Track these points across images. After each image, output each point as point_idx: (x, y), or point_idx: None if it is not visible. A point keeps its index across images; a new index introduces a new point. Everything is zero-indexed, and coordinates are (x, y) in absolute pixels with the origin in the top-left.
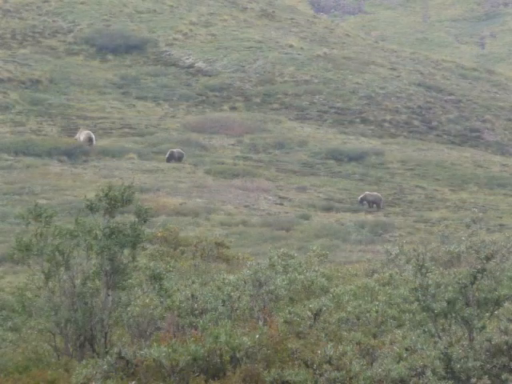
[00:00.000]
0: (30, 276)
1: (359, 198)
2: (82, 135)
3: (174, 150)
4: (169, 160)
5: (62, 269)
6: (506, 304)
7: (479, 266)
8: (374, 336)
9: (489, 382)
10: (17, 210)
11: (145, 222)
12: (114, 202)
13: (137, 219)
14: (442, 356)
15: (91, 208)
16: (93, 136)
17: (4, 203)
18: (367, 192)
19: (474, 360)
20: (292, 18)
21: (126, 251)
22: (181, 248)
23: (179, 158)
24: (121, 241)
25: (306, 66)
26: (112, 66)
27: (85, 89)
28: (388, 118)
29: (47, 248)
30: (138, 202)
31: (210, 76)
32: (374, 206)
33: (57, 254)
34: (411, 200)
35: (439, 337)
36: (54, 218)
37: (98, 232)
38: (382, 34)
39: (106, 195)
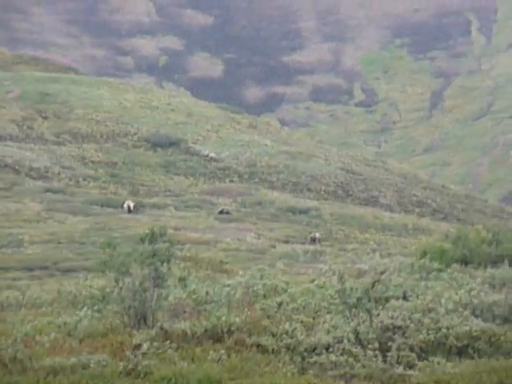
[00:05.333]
0: (108, 279)
1: (310, 236)
2: (125, 204)
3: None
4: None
5: (126, 276)
6: (392, 301)
7: (376, 278)
8: (313, 318)
9: (377, 345)
10: (100, 240)
11: (172, 246)
12: (154, 235)
13: (169, 244)
14: (353, 331)
15: (142, 239)
16: (130, 205)
17: (94, 235)
18: (313, 233)
19: (372, 333)
20: (267, 128)
21: (165, 264)
22: (199, 263)
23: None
24: (160, 258)
25: (274, 156)
26: (160, 155)
27: (143, 168)
28: (323, 188)
29: (116, 263)
30: (169, 236)
31: (218, 162)
32: (316, 240)
33: (122, 266)
34: (336, 237)
35: (352, 319)
36: (122, 245)
37: (145, 253)
38: (320, 138)
39: (151, 231)
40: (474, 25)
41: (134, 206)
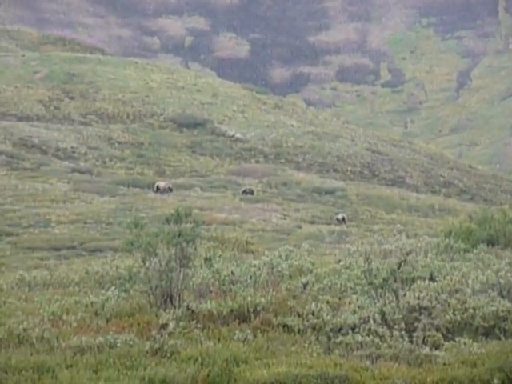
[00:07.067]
0: (135, 259)
1: (336, 216)
2: (161, 184)
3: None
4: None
5: (152, 256)
6: (418, 281)
7: (402, 258)
8: (339, 298)
9: (403, 325)
10: (127, 220)
11: (198, 226)
12: (180, 215)
13: (194, 225)
14: (379, 311)
15: (168, 220)
16: (158, 185)
17: (121, 215)
18: (339, 214)
19: (399, 314)
20: (293, 109)
21: (190, 244)
22: (225, 244)
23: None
24: (186, 238)
25: (300, 137)
26: (186, 136)
27: (169, 149)
28: (349, 168)
29: (143, 243)
30: (195, 216)
31: (243, 142)
32: (342, 221)
33: (148, 246)
34: (362, 218)
35: (378, 300)
36: (148, 225)
37: (172, 233)
38: (346, 119)
39: (177, 211)
40: (501, 4)
41: (169, 188)
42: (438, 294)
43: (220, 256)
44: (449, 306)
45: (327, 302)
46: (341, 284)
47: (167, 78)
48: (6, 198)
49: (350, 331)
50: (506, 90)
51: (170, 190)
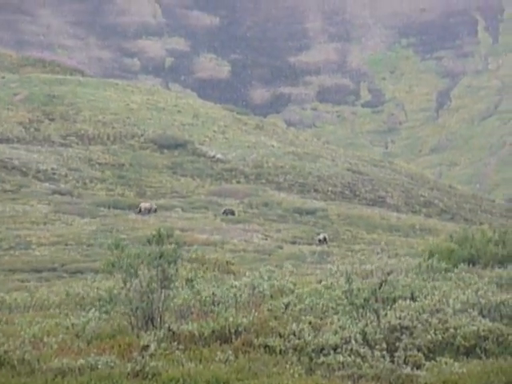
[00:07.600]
0: (115, 281)
1: (318, 237)
2: (146, 204)
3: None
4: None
5: (133, 277)
6: (399, 301)
7: (383, 278)
8: (321, 319)
9: (385, 345)
10: (108, 241)
11: (179, 247)
12: (162, 236)
13: (176, 246)
14: (361, 331)
15: (149, 241)
16: (141, 206)
17: (102, 236)
18: (321, 234)
19: (380, 334)
20: (274, 129)
21: (172, 266)
22: (206, 265)
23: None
24: (167, 259)
25: (281, 157)
26: (166, 157)
27: (150, 170)
28: (330, 188)
29: (124, 264)
30: (176, 237)
31: (224, 163)
32: (324, 241)
33: (129, 268)
34: (343, 238)
35: (359, 320)
36: (129, 246)
37: (153, 254)
38: (327, 139)
39: (158, 233)
40: (481, 24)
41: (154, 209)
42: (419, 313)
43: (201, 277)
44: (430, 325)
45: (309, 323)
46: (322, 304)
47: (148, 99)
48: None
49: (331, 351)
50: (486, 110)
51: (155, 210)
